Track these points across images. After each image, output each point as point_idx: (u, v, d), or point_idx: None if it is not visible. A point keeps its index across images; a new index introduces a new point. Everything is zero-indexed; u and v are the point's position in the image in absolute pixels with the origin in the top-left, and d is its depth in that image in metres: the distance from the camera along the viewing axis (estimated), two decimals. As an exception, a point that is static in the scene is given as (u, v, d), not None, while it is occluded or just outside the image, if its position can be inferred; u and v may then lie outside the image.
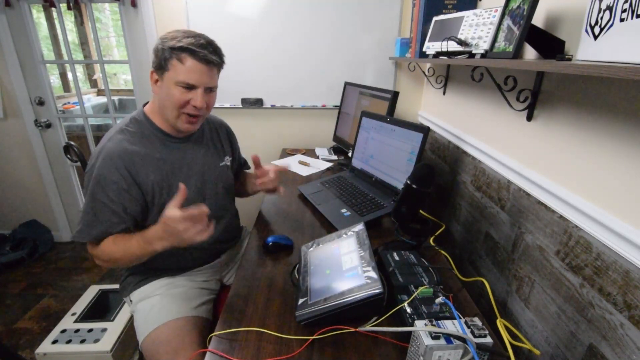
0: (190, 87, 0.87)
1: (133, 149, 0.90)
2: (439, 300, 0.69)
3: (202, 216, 0.75)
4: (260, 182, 1.07)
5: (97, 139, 2.33)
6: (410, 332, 0.60)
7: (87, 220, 0.87)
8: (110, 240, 0.87)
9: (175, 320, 0.90)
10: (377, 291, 0.67)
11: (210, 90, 0.91)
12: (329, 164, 1.71)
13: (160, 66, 0.87)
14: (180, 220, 0.72)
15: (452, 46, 1.04)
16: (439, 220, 1.26)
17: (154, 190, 0.92)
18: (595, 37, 0.58)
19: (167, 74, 0.86)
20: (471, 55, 0.98)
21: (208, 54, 0.85)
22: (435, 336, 0.56)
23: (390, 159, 1.25)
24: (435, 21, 1.21)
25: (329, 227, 1.11)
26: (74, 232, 0.90)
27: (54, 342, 1.34)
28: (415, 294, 0.72)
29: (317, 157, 1.81)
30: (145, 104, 0.99)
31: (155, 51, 0.88)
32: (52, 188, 2.28)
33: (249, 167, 1.30)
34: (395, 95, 1.45)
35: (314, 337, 0.67)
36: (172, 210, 0.73)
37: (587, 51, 0.61)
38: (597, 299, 0.65)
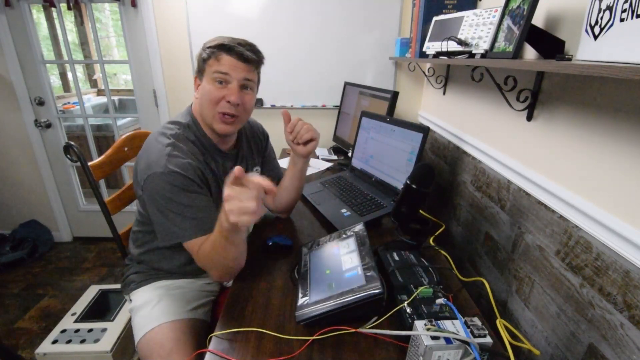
0: (224, 82, 0.85)
1: (190, 160, 0.85)
2: (439, 300, 0.69)
3: (258, 190, 0.61)
4: (292, 137, 0.96)
5: (97, 139, 2.33)
6: (410, 332, 0.60)
7: (190, 222, 0.80)
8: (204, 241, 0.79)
9: (171, 323, 0.89)
10: (377, 291, 0.67)
11: (246, 87, 0.88)
12: (329, 164, 1.71)
13: (200, 69, 0.87)
14: (228, 185, 0.62)
15: (452, 46, 1.04)
16: (439, 220, 1.26)
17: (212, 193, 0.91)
18: (595, 37, 0.58)
19: (205, 73, 0.86)
20: (471, 55, 0.98)
21: (245, 50, 0.84)
22: (434, 336, 0.56)
23: (390, 159, 1.25)
24: (435, 21, 1.21)
25: (329, 227, 1.11)
26: (174, 234, 0.81)
27: (54, 342, 1.34)
28: (415, 294, 0.72)
29: (317, 157, 1.81)
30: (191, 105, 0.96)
31: (197, 57, 0.89)
32: (52, 188, 2.28)
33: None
34: (395, 95, 1.45)
35: (314, 337, 0.67)
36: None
37: (587, 51, 0.61)
38: (597, 299, 0.65)
